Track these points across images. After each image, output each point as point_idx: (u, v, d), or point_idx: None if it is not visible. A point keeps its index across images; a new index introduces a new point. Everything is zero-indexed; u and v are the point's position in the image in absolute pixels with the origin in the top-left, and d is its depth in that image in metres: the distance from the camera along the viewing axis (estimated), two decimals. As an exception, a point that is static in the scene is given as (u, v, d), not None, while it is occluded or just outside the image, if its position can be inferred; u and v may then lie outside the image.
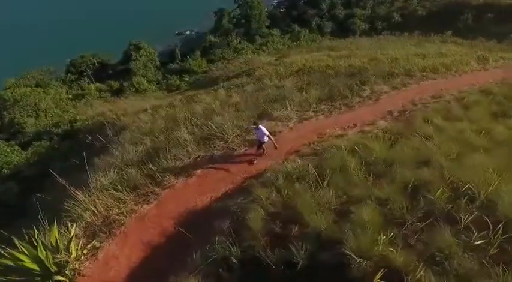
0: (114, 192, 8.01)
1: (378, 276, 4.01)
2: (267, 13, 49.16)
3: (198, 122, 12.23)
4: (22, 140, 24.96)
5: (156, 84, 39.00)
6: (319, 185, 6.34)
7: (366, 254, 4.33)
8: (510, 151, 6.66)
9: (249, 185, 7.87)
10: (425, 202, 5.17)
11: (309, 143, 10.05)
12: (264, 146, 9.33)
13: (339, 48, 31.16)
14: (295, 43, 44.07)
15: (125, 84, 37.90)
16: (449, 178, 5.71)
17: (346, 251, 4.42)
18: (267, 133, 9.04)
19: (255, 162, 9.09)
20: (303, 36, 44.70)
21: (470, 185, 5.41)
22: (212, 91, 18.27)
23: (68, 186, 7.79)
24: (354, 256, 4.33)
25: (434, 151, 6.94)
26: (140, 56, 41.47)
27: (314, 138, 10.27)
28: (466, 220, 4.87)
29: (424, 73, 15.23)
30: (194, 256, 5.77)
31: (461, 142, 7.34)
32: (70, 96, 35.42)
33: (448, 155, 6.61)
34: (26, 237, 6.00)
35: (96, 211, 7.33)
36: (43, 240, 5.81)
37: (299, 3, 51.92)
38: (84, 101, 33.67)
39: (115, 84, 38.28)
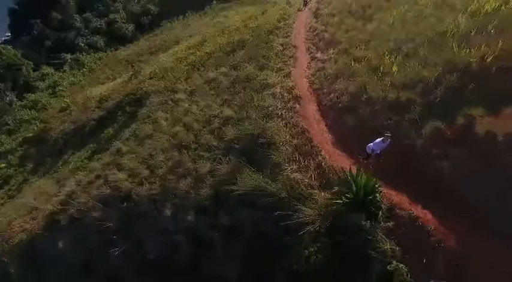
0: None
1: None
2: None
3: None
4: None
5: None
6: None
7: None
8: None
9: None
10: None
11: (312, 83, 14.73)
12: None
13: (149, 48, 33.86)
14: (84, 69, 41.93)
15: None
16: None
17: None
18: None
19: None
20: (86, 60, 42.86)
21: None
22: (147, 119, 18.46)
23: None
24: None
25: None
26: None
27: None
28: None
29: (281, 23, 21.66)
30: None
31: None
32: None
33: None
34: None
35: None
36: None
37: (48, 32, 47.47)
38: None
39: None
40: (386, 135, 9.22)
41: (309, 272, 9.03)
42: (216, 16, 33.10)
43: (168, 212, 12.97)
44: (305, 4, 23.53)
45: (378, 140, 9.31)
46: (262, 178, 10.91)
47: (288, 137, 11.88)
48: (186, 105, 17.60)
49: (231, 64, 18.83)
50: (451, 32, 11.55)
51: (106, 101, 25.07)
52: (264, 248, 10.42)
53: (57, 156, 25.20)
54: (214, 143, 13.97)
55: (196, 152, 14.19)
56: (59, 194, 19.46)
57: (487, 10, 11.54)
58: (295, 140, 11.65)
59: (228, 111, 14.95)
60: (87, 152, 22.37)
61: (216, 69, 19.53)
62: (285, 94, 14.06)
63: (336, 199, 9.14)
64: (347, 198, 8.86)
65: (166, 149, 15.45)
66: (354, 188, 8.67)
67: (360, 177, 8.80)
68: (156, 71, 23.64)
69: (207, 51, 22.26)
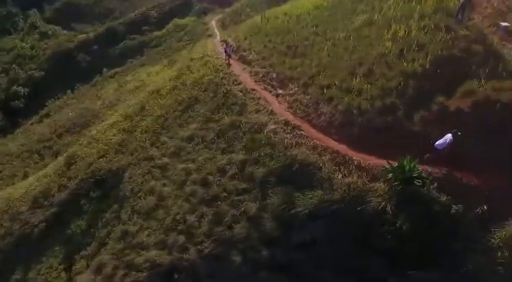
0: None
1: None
2: None
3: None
4: None
5: None
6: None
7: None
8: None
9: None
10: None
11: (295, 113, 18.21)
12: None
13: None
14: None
15: None
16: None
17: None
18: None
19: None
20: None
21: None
22: (140, 193, 18.42)
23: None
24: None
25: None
26: None
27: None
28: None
29: (221, 74, 24.60)
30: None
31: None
32: None
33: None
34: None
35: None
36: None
37: None
38: None
39: None
40: (454, 132, 12.38)
41: (398, 242, 12.15)
42: (126, 82, 33.54)
43: (237, 259, 14.07)
44: (228, 56, 26.22)
45: (448, 136, 12.46)
46: (321, 192, 13.60)
47: (317, 156, 14.93)
48: (181, 166, 18.60)
49: (200, 119, 20.68)
50: (388, 53, 16.98)
51: (52, 197, 22.84)
52: (346, 246, 13.00)
53: (-1, 279, 21.57)
54: (244, 186, 15.79)
55: (229, 200, 15.68)
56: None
57: (401, 36, 17.49)
58: (325, 157, 14.80)
59: (238, 156, 16.96)
60: (57, 257, 20.31)
61: (183, 128, 21.10)
62: (283, 127, 17.09)
63: (393, 183, 12.68)
64: (400, 179, 12.52)
65: (191, 209, 16.28)
66: (407, 169, 12.39)
67: (405, 162, 12.61)
68: (105, 147, 23.21)
69: (158, 114, 23.32)
